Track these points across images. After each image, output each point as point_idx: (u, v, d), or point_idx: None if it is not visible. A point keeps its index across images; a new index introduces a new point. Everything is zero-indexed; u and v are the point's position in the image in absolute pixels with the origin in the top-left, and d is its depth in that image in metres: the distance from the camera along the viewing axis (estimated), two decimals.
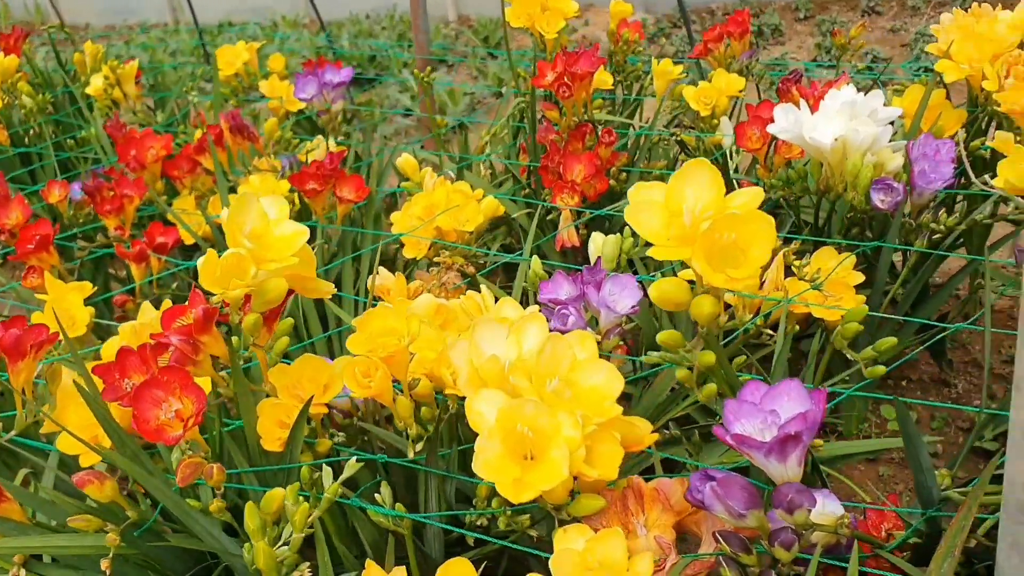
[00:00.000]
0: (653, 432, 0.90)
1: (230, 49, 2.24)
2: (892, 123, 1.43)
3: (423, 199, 1.47)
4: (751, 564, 0.74)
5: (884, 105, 1.31)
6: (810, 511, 0.71)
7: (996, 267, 1.42)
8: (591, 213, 1.53)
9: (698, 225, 0.73)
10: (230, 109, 2.00)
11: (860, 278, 1.30)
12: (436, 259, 1.33)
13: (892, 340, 0.82)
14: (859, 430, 1.50)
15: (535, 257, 1.28)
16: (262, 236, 0.85)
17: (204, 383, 0.95)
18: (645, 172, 1.63)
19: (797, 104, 1.26)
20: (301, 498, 0.82)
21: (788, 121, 1.25)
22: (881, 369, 0.84)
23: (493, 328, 0.84)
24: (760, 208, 1.55)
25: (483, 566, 0.97)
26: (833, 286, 1.28)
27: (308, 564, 0.90)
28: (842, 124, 1.21)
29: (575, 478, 0.83)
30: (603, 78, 1.77)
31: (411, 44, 4.09)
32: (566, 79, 1.49)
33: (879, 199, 1.27)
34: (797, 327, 1.28)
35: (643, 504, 0.81)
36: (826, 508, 0.84)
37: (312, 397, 0.91)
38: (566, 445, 0.75)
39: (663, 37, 3.75)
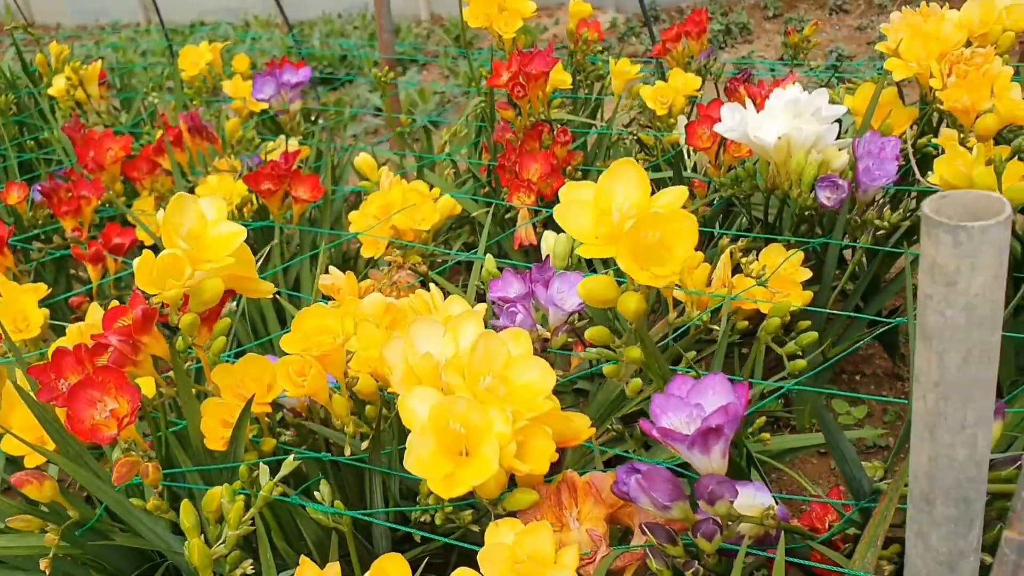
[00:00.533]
0: (593, 427, 0.92)
1: (193, 50, 2.24)
2: (840, 121, 1.45)
3: (379, 198, 1.48)
4: (677, 555, 0.75)
5: (830, 103, 1.33)
6: (732, 502, 0.72)
7: None
8: (547, 212, 1.54)
9: (623, 223, 0.75)
10: (192, 110, 2.00)
11: (807, 274, 1.31)
12: (387, 258, 1.33)
13: (813, 335, 0.84)
14: (812, 424, 1.52)
15: (489, 256, 1.29)
16: (199, 237, 0.86)
17: (148, 383, 0.96)
18: (601, 171, 1.64)
19: (744, 103, 1.28)
20: (240, 496, 0.83)
21: (734, 120, 1.26)
22: (802, 363, 0.85)
23: (429, 326, 0.85)
24: (712, 206, 1.58)
25: (426, 562, 0.99)
26: (781, 282, 1.30)
27: (251, 561, 0.91)
28: (786, 123, 1.23)
29: (513, 474, 0.85)
30: (561, 78, 1.79)
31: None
32: (520, 79, 1.50)
33: (825, 196, 1.29)
34: (747, 323, 1.30)
35: (576, 498, 0.82)
36: (756, 500, 0.86)
37: (253, 396, 0.91)
38: (497, 441, 0.76)
39: (633, 36, 3.77)
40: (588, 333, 0.81)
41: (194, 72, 2.23)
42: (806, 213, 1.39)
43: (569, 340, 1.20)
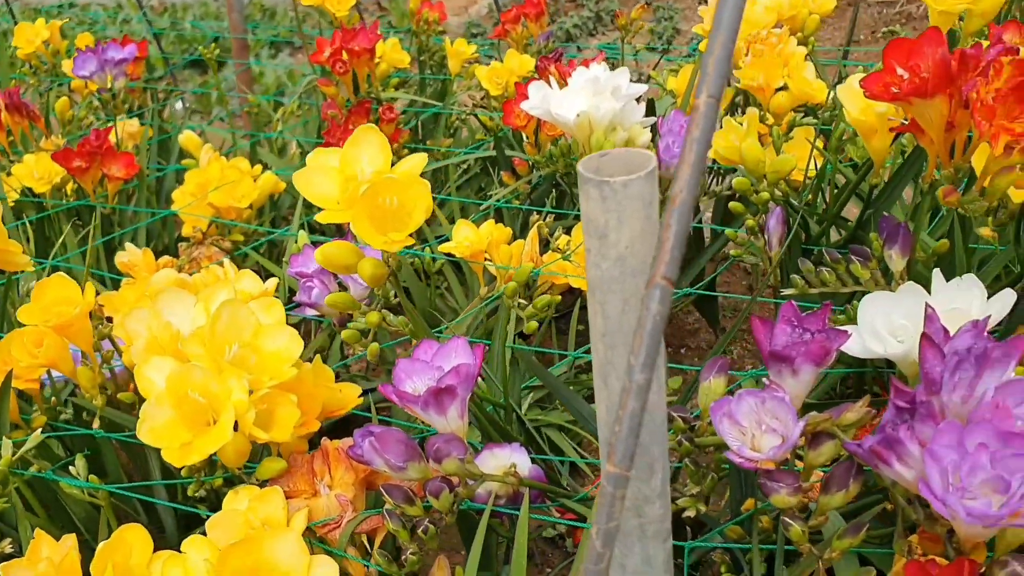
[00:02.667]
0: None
1: (28, 27, 2.16)
2: (653, 101, 1.49)
3: (197, 176, 1.45)
4: (416, 515, 0.76)
5: (652, 84, 1.37)
6: (462, 460, 0.74)
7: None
8: None
9: (358, 189, 0.75)
10: (23, 87, 1.93)
11: None
12: (185, 233, 1.31)
13: (547, 298, 0.86)
14: None
15: (301, 232, 1.28)
16: None
17: None
18: (431, 148, 1.65)
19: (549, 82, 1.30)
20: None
21: (538, 98, 1.28)
22: (533, 325, 0.88)
23: (179, 296, 0.84)
24: (537, 184, 1.60)
25: None
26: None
27: (10, 540, 0.89)
28: (585, 100, 1.25)
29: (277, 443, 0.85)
30: (399, 57, 1.79)
31: (256, 25, 4.01)
32: (343, 56, 1.50)
33: None
34: (560, 297, 1.32)
35: (329, 464, 0.83)
36: (511, 460, 0.89)
37: (11, 371, 0.89)
38: (233, 409, 0.76)
39: None
40: (328, 299, 0.81)
41: (30, 50, 2.14)
42: None
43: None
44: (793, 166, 1.03)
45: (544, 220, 1.31)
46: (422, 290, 1.42)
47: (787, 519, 0.66)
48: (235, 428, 0.78)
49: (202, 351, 0.78)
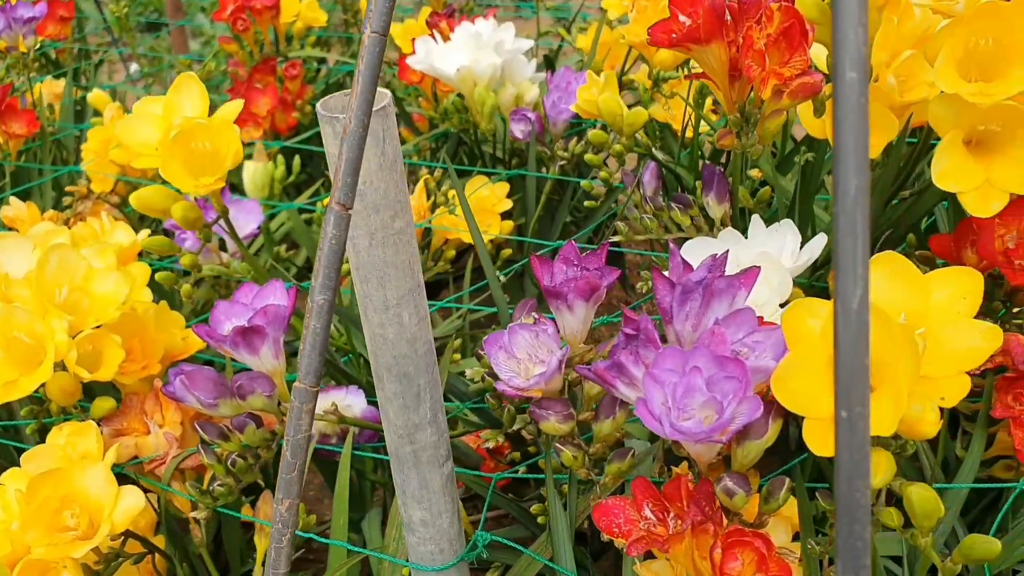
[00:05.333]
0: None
1: None
2: (549, 57, 1.50)
3: (99, 133, 1.47)
4: (233, 450, 0.79)
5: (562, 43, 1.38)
6: (268, 397, 0.77)
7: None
8: (277, 147, 1.56)
9: (168, 134, 0.78)
10: None
11: (508, 205, 1.37)
12: (68, 188, 1.34)
13: None
14: None
15: None
16: None
17: None
18: None
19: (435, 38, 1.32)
20: None
21: (422, 53, 1.30)
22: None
23: (16, 243, 0.86)
24: (442, 140, 1.61)
25: None
26: (482, 214, 1.35)
27: None
28: (467, 55, 1.27)
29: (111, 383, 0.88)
30: (315, 16, 1.80)
31: None
32: (245, 13, 1.51)
33: (518, 129, 1.34)
34: (454, 252, 1.35)
35: (161, 404, 0.86)
36: (346, 401, 0.92)
37: None
38: (55, 349, 0.78)
39: None
40: (144, 243, 0.84)
41: None
42: (518, 145, 1.45)
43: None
44: (645, 119, 1.05)
45: (433, 175, 1.33)
46: (308, 239, 1.44)
47: (559, 445, 0.69)
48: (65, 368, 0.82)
49: (29, 294, 0.81)
